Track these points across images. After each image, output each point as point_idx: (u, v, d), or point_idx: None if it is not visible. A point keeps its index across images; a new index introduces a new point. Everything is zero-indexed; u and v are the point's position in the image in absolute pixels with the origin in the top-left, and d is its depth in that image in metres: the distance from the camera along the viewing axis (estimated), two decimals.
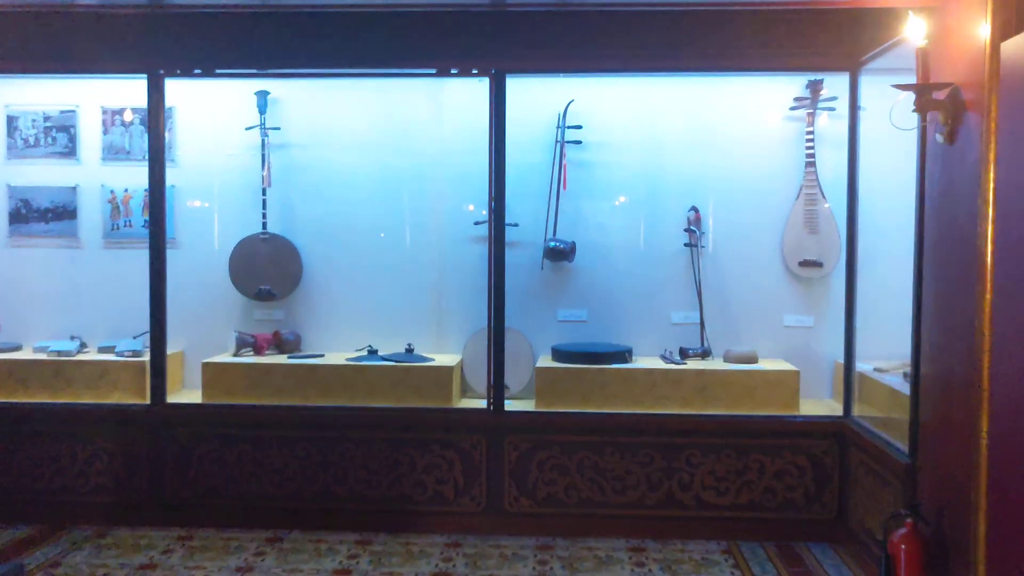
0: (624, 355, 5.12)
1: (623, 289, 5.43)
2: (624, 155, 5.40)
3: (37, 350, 5.36)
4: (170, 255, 5.07)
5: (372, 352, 5.31)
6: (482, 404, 5.04)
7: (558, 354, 5.15)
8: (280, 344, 5.40)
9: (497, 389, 4.88)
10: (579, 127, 5.31)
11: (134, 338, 5.44)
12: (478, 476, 4.88)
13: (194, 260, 5.56)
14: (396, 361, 5.12)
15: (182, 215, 5.57)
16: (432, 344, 5.48)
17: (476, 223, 5.37)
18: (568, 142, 5.32)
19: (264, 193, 5.42)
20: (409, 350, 5.30)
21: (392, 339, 5.44)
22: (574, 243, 5.33)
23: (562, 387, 4.98)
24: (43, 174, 5.59)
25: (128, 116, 5.57)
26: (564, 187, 5.33)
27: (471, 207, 5.44)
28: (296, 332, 5.48)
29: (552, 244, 5.31)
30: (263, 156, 5.42)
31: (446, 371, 5.05)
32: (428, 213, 5.50)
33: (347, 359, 5.20)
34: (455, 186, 5.46)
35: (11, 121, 5.59)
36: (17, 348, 5.46)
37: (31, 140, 5.59)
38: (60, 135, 5.58)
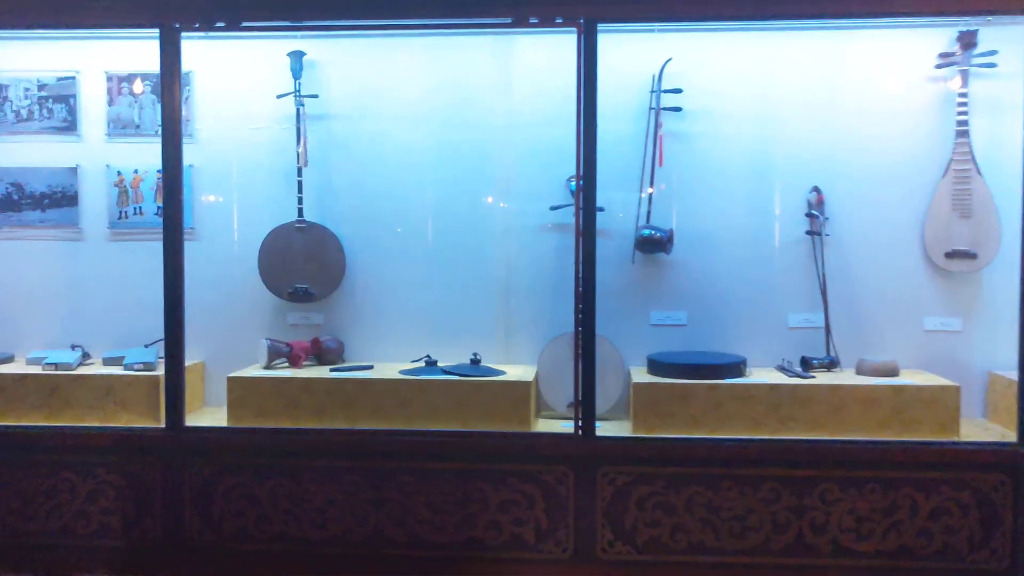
0: (739, 367, 4.22)
1: (729, 286, 4.52)
2: (732, 125, 4.49)
3: (31, 362, 4.50)
4: (188, 248, 4.18)
5: (431, 363, 4.42)
6: (565, 427, 4.16)
7: (656, 366, 4.25)
8: (320, 354, 4.52)
9: (587, 409, 3.99)
10: (678, 91, 4.40)
11: (146, 347, 4.57)
12: (564, 516, 3.99)
13: (216, 254, 4.69)
14: (462, 375, 4.23)
15: (202, 201, 4.70)
16: (500, 353, 4.59)
17: (553, 208, 4.48)
18: (665, 109, 4.42)
19: (299, 174, 4.54)
20: (475, 361, 4.41)
21: (453, 347, 4.55)
22: (672, 231, 4.42)
23: (665, 407, 4.08)
24: (38, 153, 4.73)
25: (138, 87, 4.70)
26: (660, 163, 4.43)
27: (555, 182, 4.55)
28: (339, 339, 4.60)
29: (646, 232, 4.42)
30: (298, 130, 4.54)
31: (522, 387, 4.16)
32: (494, 196, 4.61)
33: (401, 372, 4.32)
34: (527, 164, 4.57)
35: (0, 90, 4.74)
36: (8, 359, 4.60)
37: (23, 112, 4.72)
38: (57, 106, 4.71)
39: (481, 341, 4.56)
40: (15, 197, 4.73)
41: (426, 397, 4.15)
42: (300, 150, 4.54)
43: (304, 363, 4.46)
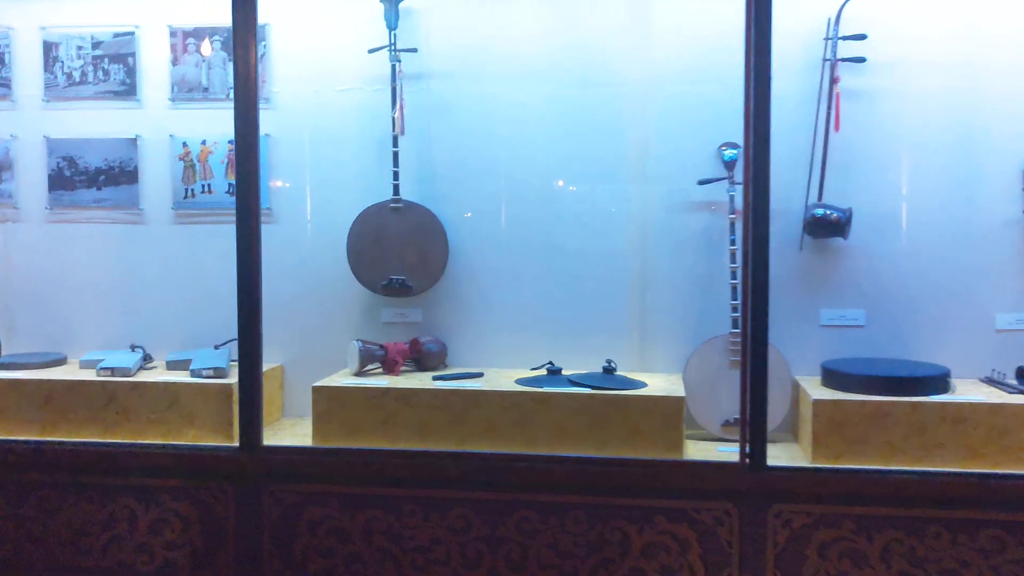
0: (943, 381, 3.37)
1: (920, 279, 3.67)
2: (927, 79, 3.62)
3: (85, 365, 3.85)
4: (265, 232, 3.47)
5: (554, 372, 3.66)
6: (723, 452, 3.37)
7: (834, 377, 3.43)
8: (420, 358, 3.80)
9: (755, 432, 3.19)
10: (861, 37, 3.55)
11: (216, 348, 3.90)
12: (727, 565, 3.21)
13: (297, 239, 3.99)
14: (594, 387, 3.46)
15: (281, 176, 4.00)
16: (635, 360, 3.81)
17: (702, 182, 3.68)
18: (843, 60, 3.58)
19: (395, 144, 3.81)
20: (609, 369, 3.63)
21: (578, 352, 3.79)
22: (850, 210, 3.59)
23: (853, 430, 3.26)
24: (92, 121, 4.07)
25: (206, 45, 4.01)
26: (835, 127, 3.59)
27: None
28: (441, 340, 3.87)
29: (818, 212, 3.59)
30: (393, 91, 3.81)
31: (672, 404, 3.37)
32: (627, 170, 3.82)
33: (518, 382, 3.57)
34: (667, 130, 3.77)
35: (49, 49, 4.09)
36: (59, 361, 3.96)
37: (75, 75, 4.07)
38: (114, 67, 4.05)
39: (613, 345, 3.79)
40: (67, 173, 4.08)
41: (550, 414, 3.39)
42: (396, 115, 3.80)
43: (402, 369, 3.74)
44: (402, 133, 3.82)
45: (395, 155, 3.80)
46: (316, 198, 3.98)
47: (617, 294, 3.81)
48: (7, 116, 4.12)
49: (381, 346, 3.76)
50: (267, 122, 3.81)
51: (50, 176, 4.10)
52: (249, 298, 3.42)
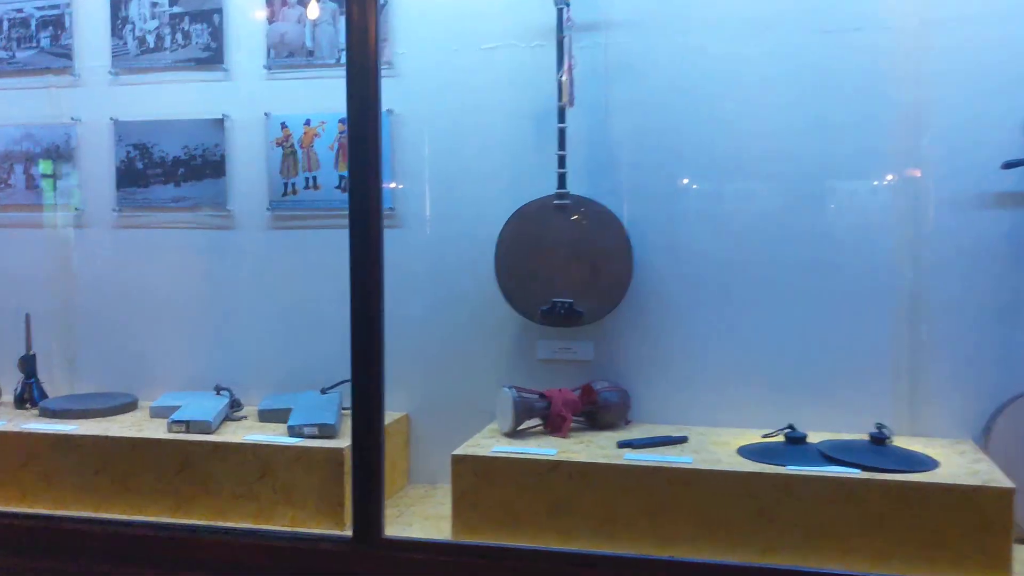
0: None
1: None
2: None
3: (156, 414, 2.97)
4: (387, 237, 2.48)
5: (796, 440, 2.56)
6: None
7: None
8: (595, 412, 2.77)
9: None
10: None
11: (323, 392, 2.96)
12: None
13: (429, 248, 3.02)
14: (866, 466, 2.35)
15: (407, 165, 3.04)
16: (904, 420, 2.68)
17: (1005, 165, 2.54)
18: None
19: (561, 118, 2.79)
20: (880, 438, 2.51)
21: (825, 409, 2.69)
22: None
23: None
24: (170, 98, 3.19)
25: (313, 11, 3.08)
26: None
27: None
28: (622, 388, 2.83)
29: None
30: (560, 48, 2.79)
31: (993, 497, 2.24)
32: (892, 151, 2.70)
33: (742, 452, 2.50)
34: (946, 96, 2.64)
35: (117, 8, 3.23)
36: (126, 407, 3.09)
37: (149, 39, 3.20)
38: (196, 28, 3.16)
39: (873, 399, 2.67)
40: (139, 166, 3.21)
41: (799, 506, 2.31)
42: (562, 79, 2.78)
43: (570, 429, 2.71)
44: (571, 104, 2.80)
45: (561, 134, 2.78)
46: (454, 193, 2.99)
47: (878, 326, 2.69)
48: (68, 95, 3.28)
49: (542, 395, 2.75)
50: (389, 94, 2.83)
51: (118, 169, 3.24)
52: (367, 326, 2.45)
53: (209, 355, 3.20)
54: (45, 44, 3.28)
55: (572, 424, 2.71)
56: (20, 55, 3.29)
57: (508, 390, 2.70)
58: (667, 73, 2.82)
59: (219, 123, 3.14)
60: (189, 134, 3.16)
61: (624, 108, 2.85)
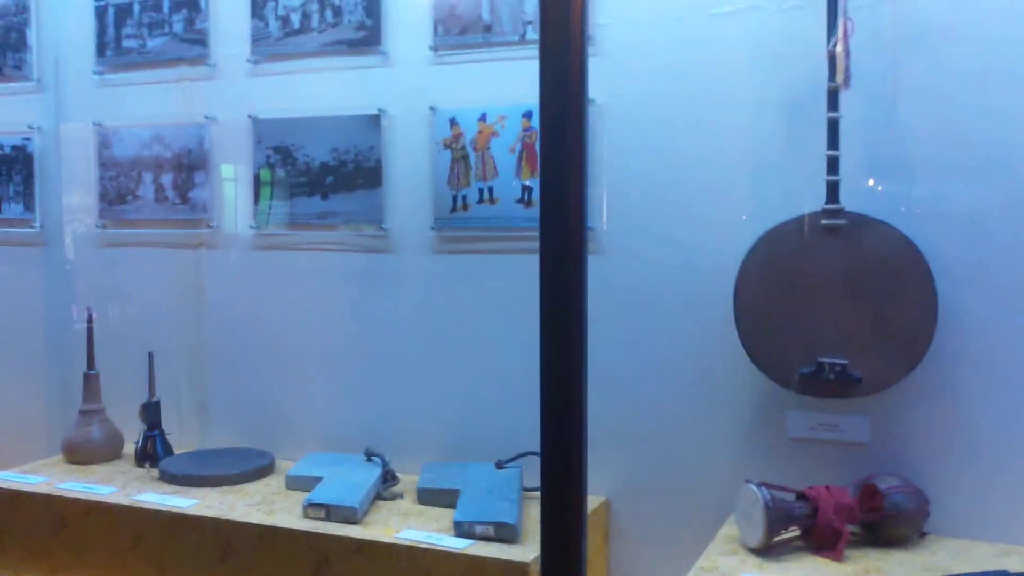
0: None
1: None
2: None
3: (293, 484, 2.38)
4: (590, 267, 1.74)
5: None
6: None
7: None
8: (878, 522, 1.96)
9: None
10: None
11: (498, 467, 2.29)
12: None
13: (638, 281, 2.28)
14: None
15: (607, 173, 2.31)
16: None
17: None
18: None
19: (833, 105, 1.99)
20: None
21: None
22: None
23: None
24: (316, 90, 2.60)
25: None
26: None
27: None
28: (916, 487, 1.99)
29: None
30: (831, 9, 2.00)
31: None
32: None
33: None
34: None
35: None
36: (260, 471, 2.51)
37: (294, 19, 2.61)
38: (349, 3, 2.55)
39: None
40: (281, 172, 2.64)
41: None
42: (834, 51, 1.98)
43: (846, 549, 1.91)
44: (846, 86, 1.99)
45: (832, 128, 1.98)
46: (674, 209, 2.23)
47: None
48: (202, 88, 2.75)
49: (801, 495, 1.96)
50: (589, 78, 2.12)
51: (258, 177, 2.67)
52: (563, 383, 1.72)
53: (360, 406, 2.59)
54: (178, 30, 2.76)
55: (849, 541, 1.91)
56: (152, 43, 2.79)
57: (755, 488, 1.93)
58: (985, 41, 1.97)
59: (375, 120, 2.51)
60: (339, 134, 2.56)
61: (921, 91, 2.02)
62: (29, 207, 2.97)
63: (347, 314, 2.59)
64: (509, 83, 2.37)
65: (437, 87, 2.45)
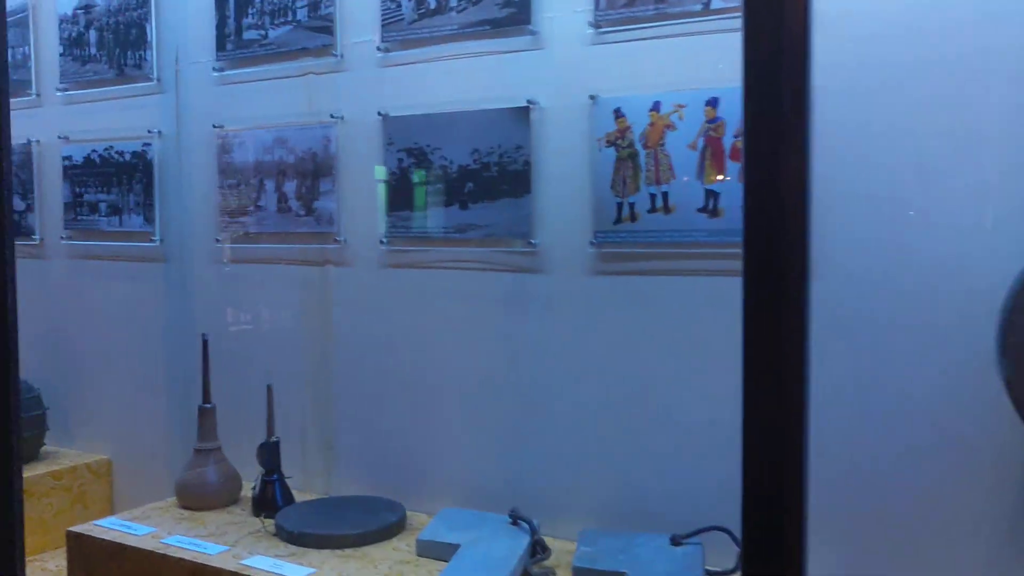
0: None
1: None
2: None
3: (424, 549, 1.99)
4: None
5: None
6: None
7: None
8: None
9: None
10: None
11: (674, 543, 1.82)
12: None
13: (867, 310, 1.76)
14: None
15: (818, 174, 1.80)
16: None
17: None
18: None
19: None
20: None
21: None
22: None
23: None
24: (454, 81, 2.20)
25: None
26: None
27: None
28: None
29: None
30: None
31: None
32: None
33: None
34: None
35: None
36: (390, 529, 2.13)
37: (430, 0, 2.24)
38: None
39: None
40: (414, 179, 2.26)
41: None
42: None
43: None
44: None
45: None
46: (907, 223, 1.71)
47: None
48: (327, 83, 2.40)
49: None
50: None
51: (388, 185, 2.30)
52: (771, 437, 1.24)
53: (505, 455, 2.18)
54: (302, 17, 2.42)
55: None
56: (274, 34, 2.47)
57: None
58: None
59: (523, 114, 2.09)
60: (481, 132, 2.15)
61: None
62: (149, 219, 2.72)
63: (491, 345, 2.18)
64: (689, 64, 1.90)
65: (599, 72, 2.01)
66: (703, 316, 1.90)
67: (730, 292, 1.86)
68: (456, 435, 2.25)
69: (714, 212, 1.87)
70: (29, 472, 2.67)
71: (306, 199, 2.43)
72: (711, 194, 1.88)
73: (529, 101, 2.08)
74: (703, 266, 1.90)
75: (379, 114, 2.29)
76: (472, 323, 2.20)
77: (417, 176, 2.24)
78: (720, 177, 1.86)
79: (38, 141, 2.95)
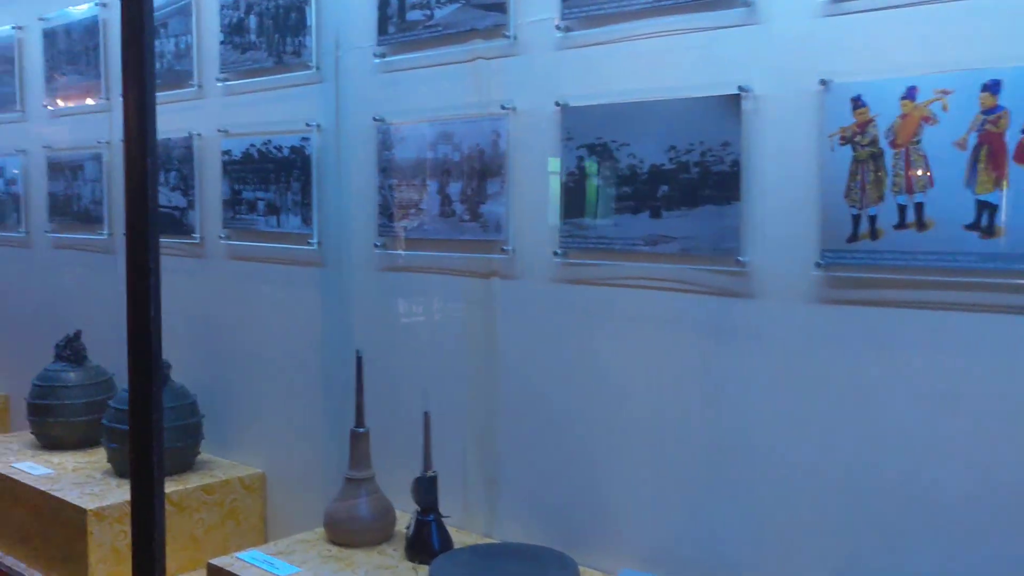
0: None
1: None
2: None
3: None
4: None
5: None
6: None
7: None
8: None
9: None
10: None
11: None
12: None
13: None
14: None
15: None
16: None
17: None
18: None
19: None
20: None
21: None
22: None
23: None
24: (648, 64, 1.85)
25: None
26: None
27: None
28: None
29: None
30: None
31: None
32: None
33: None
34: None
35: None
36: None
37: None
38: None
39: None
40: (596, 181, 1.92)
41: None
42: None
43: None
44: None
45: None
46: None
47: None
48: (498, 68, 2.10)
49: None
50: None
51: (565, 187, 1.98)
52: None
53: (700, 512, 1.82)
54: None
55: None
56: (440, 13, 2.19)
57: None
58: None
59: (733, 103, 1.71)
60: (679, 125, 1.79)
61: None
62: (307, 220, 2.51)
63: (685, 380, 1.82)
64: (958, 37, 1.47)
65: (833, 50, 1.60)
66: (965, 362, 1.48)
67: (1009, 333, 1.43)
68: (640, 482, 1.91)
69: (989, 231, 1.44)
70: (181, 484, 2.54)
71: (472, 202, 2.14)
72: (985, 206, 1.44)
73: (741, 88, 1.70)
74: (970, 299, 1.47)
75: (557, 104, 1.96)
76: (663, 353, 1.85)
77: (600, 177, 1.91)
78: (999, 185, 1.43)
79: (199, 135, 2.81)
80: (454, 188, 2.17)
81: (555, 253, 1.99)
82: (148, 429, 1.92)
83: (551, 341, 2.02)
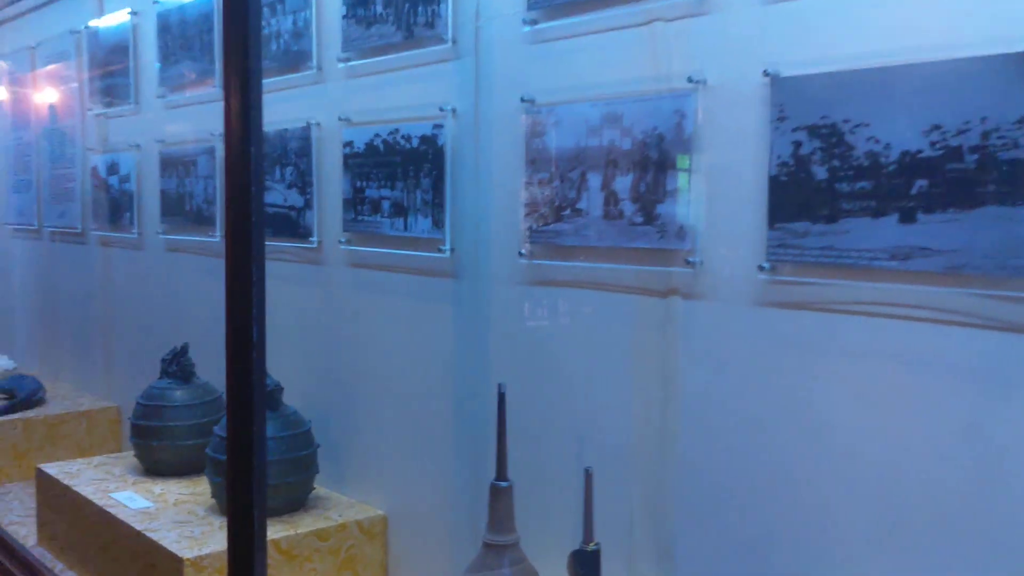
0: None
1: None
2: None
3: None
4: None
5: None
6: None
7: None
8: None
9: None
10: None
11: None
12: None
13: None
14: None
15: None
16: None
17: None
18: None
19: None
20: None
21: None
22: None
23: None
24: (894, 16, 1.37)
25: None
26: None
27: None
28: None
29: None
30: None
31: None
32: None
33: None
34: None
35: None
36: None
37: None
38: None
39: None
40: (819, 174, 1.45)
41: None
42: None
43: None
44: None
45: None
46: None
47: None
48: (681, 31, 1.65)
49: None
50: None
51: (774, 181, 1.52)
52: None
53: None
54: None
55: None
56: None
57: None
58: None
59: (1018, 64, 1.23)
60: (945, 98, 1.31)
61: None
62: (438, 222, 2.13)
63: (949, 444, 1.34)
64: None
65: None
66: None
67: None
68: (872, 565, 1.43)
69: None
70: (291, 529, 2.19)
71: (646, 201, 1.70)
72: None
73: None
74: None
75: (765, 74, 1.50)
76: (913, 406, 1.37)
77: (825, 168, 1.44)
78: None
79: (318, 124, 2.46)
80: (622, 183, 1.74)
81: (760, 267, 1.53)
82: (248, 478, 1.56)
83: (750, 382, 1.56)
